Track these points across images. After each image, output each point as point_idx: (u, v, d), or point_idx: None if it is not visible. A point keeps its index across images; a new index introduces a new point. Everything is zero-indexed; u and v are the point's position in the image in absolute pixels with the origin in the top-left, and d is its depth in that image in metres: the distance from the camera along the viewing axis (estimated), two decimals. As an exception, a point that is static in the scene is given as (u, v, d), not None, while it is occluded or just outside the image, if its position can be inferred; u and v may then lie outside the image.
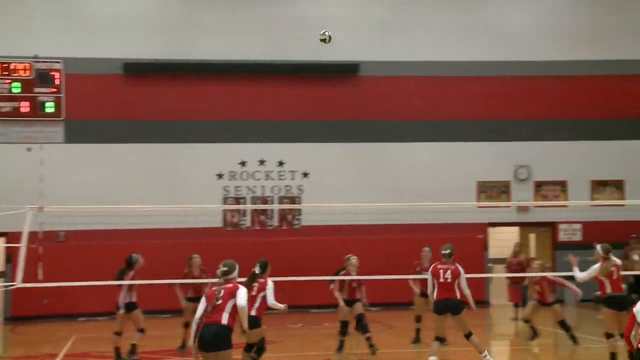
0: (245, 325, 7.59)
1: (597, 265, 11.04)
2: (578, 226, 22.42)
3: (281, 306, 9.46)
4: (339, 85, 22.10)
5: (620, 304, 10.94)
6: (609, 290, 11.02)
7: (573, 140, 22.61)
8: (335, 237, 21.17)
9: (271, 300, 9.39)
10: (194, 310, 13.57)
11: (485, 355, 10.48)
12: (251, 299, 9.35)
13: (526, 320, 14.20)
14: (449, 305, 10.46)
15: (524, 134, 22.53)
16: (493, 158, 22.38)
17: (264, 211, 21.67)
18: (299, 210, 21.64)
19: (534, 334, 14.28)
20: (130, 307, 12.40)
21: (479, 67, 22.51)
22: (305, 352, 13.57)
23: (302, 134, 21.95)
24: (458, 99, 22.43)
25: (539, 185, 22.62)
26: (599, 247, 11.13)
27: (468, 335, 10.58)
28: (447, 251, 10.68)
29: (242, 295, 7.57)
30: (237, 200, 21.69)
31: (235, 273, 7.90)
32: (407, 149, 22.25)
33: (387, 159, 22.16)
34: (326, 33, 11.31)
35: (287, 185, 21.99)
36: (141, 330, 12.49)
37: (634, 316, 6.55)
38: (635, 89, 22.70)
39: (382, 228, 21.15)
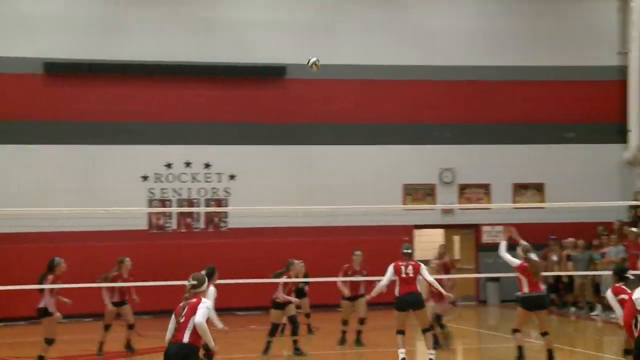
0: (211, 343, 7.11)
1: (517, 261, 11.24)
2: (501, 228, 22.43)
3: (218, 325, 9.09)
4: (266, 87, 22.03)
5: (535, 304, 11.12)
6: (526, 289, 11.25)
7: (496, 144, 22.96)
8: (262, 239, 21.10)
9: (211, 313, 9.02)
10: (118, 315, 13.43)
11: (432, 354, 10.63)
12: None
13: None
14: (411, 300, 10.64)
15: (448, 137, 22.81)
16: (418, 161, 22.60)
17: (190, 214, 21.48)
18: (226, 212, 21.51)
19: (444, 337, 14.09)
20: (42, 312, 11.76)
21: (405, 71, 22.70)
22: (230, 354, 13.41)
23: (229, 136, 21.80)
24: (384, 102, 22.58)
25: (463, 188, 22.92)
26: (519, 248, 11.34)
27: (426, 330, 10.77)
28: (409, 251, 11.03)
29: (201, 311, 7.09)
30: (163, 202, 21.46)
31: (204, 287, 7.40)
32: (334, 152, 22.31)
33: (314, 162, 22.19)
34: (312, 60, 11.36)
35: (213, 188, 21.84)
36: (48, 341, 11.78)
37: (632, 304, 6.46)
38: (555, 95, 23.19)
39: (309, 230, 21.16)
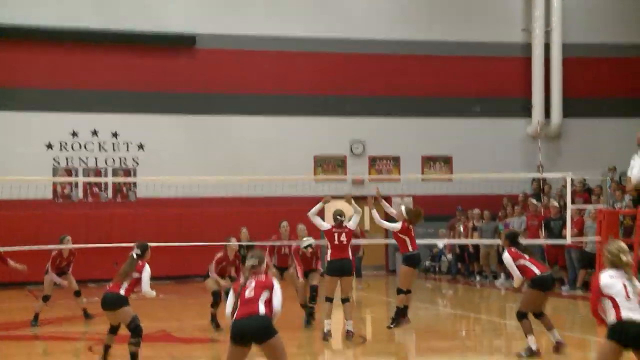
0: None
1: (397, 225, 11.18)
2: (410, 199, 22.79)
3: (153, 293, 8.98)
4: (176, 56, 21.64)
5: (417, 262, 11.51)
6: (410, 248, 11.42)
7: (405, 117, 23.10)
8: (171, 210, 20.78)
9: (146, 287, 8.88)
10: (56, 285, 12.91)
11: (349, 327, 10.46)
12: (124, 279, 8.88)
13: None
14: (343, 266, 10.49)
15: (359, 109, 22.84)
16: (329, 133, 22.58)
17: (97, 183, 21.05)
18: (134, 183, 21.13)
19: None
20: None
21: (316, 43, 22.57)
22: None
23: (138, 104, 21.36)
24: (295, 73, 22.42)
25: (373, 160, 23.03)
26: (403, 207, 11.46)
27: (345, 300, 10.57)
28: (342, 217, 10.81)
29: (278, 291, 6.96)
30: (69, 172, 20.92)
31: (264, 265, 7.25)
32: (244, 123, 22.10)
33: (225, 132, 21.94)
34: (306, 240, 11.30)
35: (121, 157, 21.41)
36: None
37: (599, 290, 6.26)
38: (462, 70, 23.42)
39: (219, 201, 20.92)
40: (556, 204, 17.77)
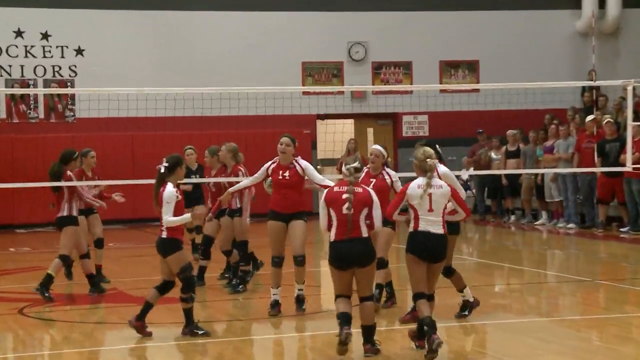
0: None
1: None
2: (424, 118, 22.61)
3: (174, 220, 8.68)
4: None
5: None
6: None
7: (418, 11, 22.89)
8: (121, 132, 20.54)
9: (166, 215, 8.64)
10: None
11: (301, 289, 9.86)
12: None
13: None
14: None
15: (359, 2, 22.60)
16: (321, 33, 22.42)
17: (24, 99, 20.90)
18: (72, 97, 21.01)
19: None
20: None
21: None
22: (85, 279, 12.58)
23: (74, -3, 21.25)
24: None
25: (378, 67, 22.87)
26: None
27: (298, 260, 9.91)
28: (289, 144, 9.78)
29: (377, 205, 7.98)
30: None
31: (364, 171, 8.57)
32: (213, 20, 21.96)
33: (188, 33, 21.81)
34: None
35: (55, 65, 21.28)
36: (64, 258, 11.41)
37: (403, 195, 7.88)
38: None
39: (183, 121, 20.43)
40: (612, 120, 17.59)
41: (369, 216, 7.81)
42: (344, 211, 7.83)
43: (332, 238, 7.88)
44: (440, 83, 22.71)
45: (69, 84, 21.17)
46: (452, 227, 8.58)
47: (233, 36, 21.96)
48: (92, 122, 20.49)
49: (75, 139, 20.37)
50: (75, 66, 21.29)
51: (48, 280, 10.95)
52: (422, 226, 7.75)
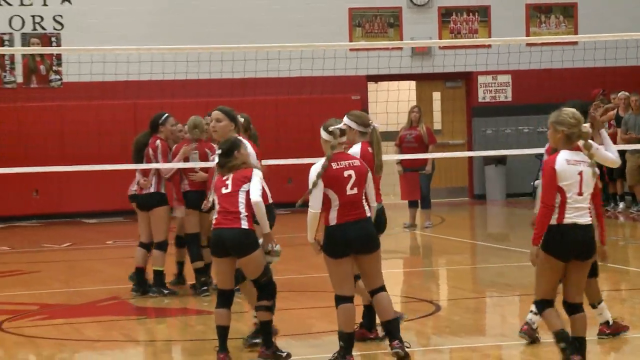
0: None
1: None
2: (507, 78, 22.76)
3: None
4: None
5: None
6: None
7: None
8: (120, 100, 20.88)
9: (255, 195, 8.75)
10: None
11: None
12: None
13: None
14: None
15: None
16: None
17: None
18: (59, 57, 21.30)
19: None
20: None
21: None
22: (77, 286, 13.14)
23: None
24: None
25: (446, 13, 22.98)
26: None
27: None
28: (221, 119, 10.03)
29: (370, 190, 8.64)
30: None
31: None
32: None
33: None
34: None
35: (35, 16, 21.52)
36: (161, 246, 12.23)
37: (554, 174, 7.62)
38: None
39: (197, 85, 20.82)
40: None
41: (366, 193, 8.45)
42: (349, 192, 8.29)
43: (333, 222, 8.24)
44: (527, 34, 22.72)
45: (53, 39, 21.42)
46: None
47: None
48: (82, 87, 20.75)
49: (62, 108, 20.84)
50: (62, 17, 21.54)
51: (160, 278, 11.61)
52: (570, 217, 7.60)
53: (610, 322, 9.12)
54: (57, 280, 13.56)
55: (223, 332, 8.42)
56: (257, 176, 8.60)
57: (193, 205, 11.90)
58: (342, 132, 8.38)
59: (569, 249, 7.60)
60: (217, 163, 8.80)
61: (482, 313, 11.47)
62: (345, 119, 8.95)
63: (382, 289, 8.39)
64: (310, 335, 9.88)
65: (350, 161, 8.40)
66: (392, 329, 8.25)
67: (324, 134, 8.38)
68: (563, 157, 7.61)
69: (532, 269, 7.66)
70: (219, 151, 8.80)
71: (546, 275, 7.70)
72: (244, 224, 8.52)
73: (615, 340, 9.05)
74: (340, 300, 8.20)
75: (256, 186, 8.54)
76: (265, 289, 8.67)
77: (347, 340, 8.16)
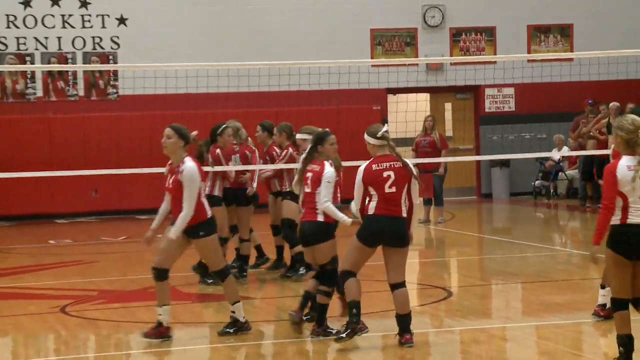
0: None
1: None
2: (510, 90, 22.62)
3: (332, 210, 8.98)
4: None
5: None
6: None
7: None
8: (168, 111, 20.58)
9: (324, 199, 8.95)
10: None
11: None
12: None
13: None
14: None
15: None
16: None
17: (62, 75, 21.06)
18: (115, 73, 21.22)
19: None
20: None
21: None
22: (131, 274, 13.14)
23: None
24: None
25: (456, 34, 22.87)
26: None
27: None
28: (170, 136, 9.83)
29: (415, 192, 8.66)
30: (21, 57, 21.01)
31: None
32: None
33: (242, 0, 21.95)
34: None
35: (95, 37, 21.46)
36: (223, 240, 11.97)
37: (615, 180, 7.19)
38: None
39: (238, 97, 20.74)
40: None
41: (408, 193, 8.41)
42: (387, 190, 8.32)
43: (372, 211, 8.35)
44: (529, 52, 22.58)
45: (111, 57, 21.38)
46: None
47: (293, 3, 22.08)
48: (137, 100, 20.75)
49: (119, 119, 20.82)
50: (118, 37, 21.49)
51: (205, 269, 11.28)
52: (633, 218, 7.18)
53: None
54: (113, 269, 13.56)
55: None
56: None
57: (238, 202, 12.17)
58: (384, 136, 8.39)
59: (632, 247, 7.20)
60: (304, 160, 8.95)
61: (488, 298, 11.39)
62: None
63: (403, 284, 8.41)
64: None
65: (391, 162, 8.43)
66: (404, 323, 8.31)
67: (370, 139, 8.46)
68: (624, 164, 7.26)
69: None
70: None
71: (613, 271, 7.32)
72: (319, 217, 8.84)
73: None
74: (348, 274, 8.40)
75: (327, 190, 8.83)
76: (328, 276, 8.79)
77: (359, 307, 8.30)
